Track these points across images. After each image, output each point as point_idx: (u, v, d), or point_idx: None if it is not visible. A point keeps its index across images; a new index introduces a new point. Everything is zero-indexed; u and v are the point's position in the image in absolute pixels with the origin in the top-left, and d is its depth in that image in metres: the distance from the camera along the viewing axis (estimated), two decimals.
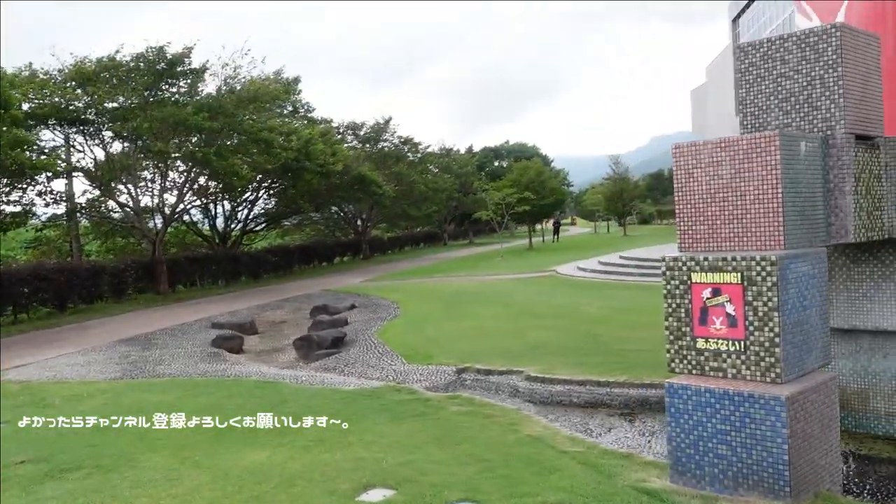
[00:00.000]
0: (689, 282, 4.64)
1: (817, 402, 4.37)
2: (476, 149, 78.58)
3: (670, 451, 4.60)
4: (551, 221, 48.88)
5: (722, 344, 4.50)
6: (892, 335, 5.91)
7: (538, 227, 46.60)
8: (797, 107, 5.25)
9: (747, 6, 42.29)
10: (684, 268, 4.66)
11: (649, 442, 6.35)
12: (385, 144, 41.63)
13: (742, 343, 4.41)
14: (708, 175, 4.89)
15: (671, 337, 4.73)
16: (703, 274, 4.58)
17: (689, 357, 4.65)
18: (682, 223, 5.01)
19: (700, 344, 4.60)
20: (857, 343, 6.31)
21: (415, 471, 5.06)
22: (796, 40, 5.30)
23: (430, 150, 47.25)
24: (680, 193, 5.02)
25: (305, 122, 30.78)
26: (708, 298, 4.56)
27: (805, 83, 5.21)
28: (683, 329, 4.67)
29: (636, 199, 54.38)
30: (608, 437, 6.54)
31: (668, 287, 4.75)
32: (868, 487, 5.42)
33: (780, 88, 5.35)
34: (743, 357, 4.42)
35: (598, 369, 8.21)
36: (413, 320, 13.85)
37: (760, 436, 4.19)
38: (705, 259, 4.58)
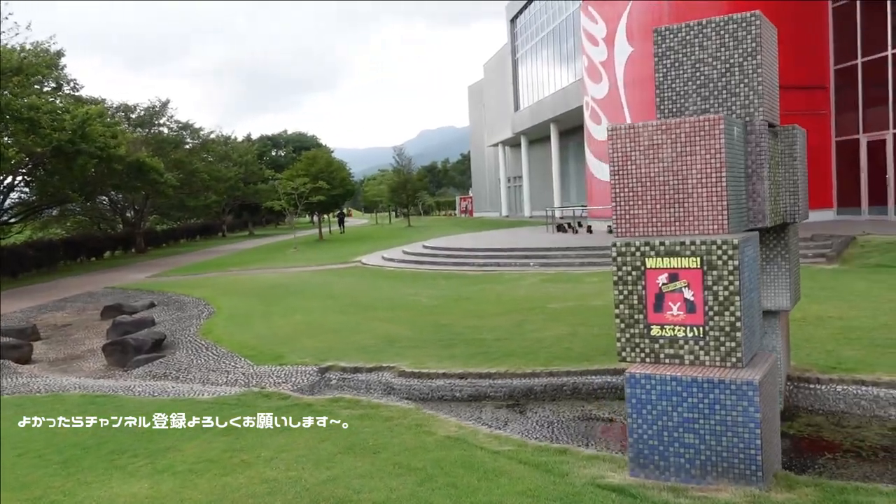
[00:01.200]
0: (642, 267, 4.49)
1: (769, 383, 4.42)
2: (253, 137, 75.67)
3: (631, 444, 4.43)
4: (336, 212, 48.30)
5: (679, 330, 4.40)
6: (773, 314, 6.23)
7: (325, 217, 45.83)
8: (715, 93, 5.32)
9: (525, 7, 44.53)
10: (637, 253, 4.50)
11: (553, 433, 6.19)
12: (161, 129, 38.54)
13: (701, 329, 4.34)
14: (647, 158, 4.77)
15: (622, 325, 4.56)
16: (659, 259, 4.44)
17: (641, 345, 4.51)
18: (618, 207, 4.86)
19: (655, 331, 4.47)
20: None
21: (347, 489, 4.45)
22: (715, 27, 5.36)
23: (212, 136, 44.55)
24: (616, 177, 4.86)
25: (72, 101, 27.52)
26: (664, 284, 4.43)
27: (724, 70, 5.28)
28: (636, 317, 4.51)
29: (420, 190, 55.42)
30: (510, 431, 6.30)
31: (620, 273, 4.56)
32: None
33: (698, 74, 5.39)
34: (702, 343, 4.34)
35: (472, 361, 7.97)
36: (235, 317, 12.76)
37: (731, 422, 4.13)
38: (661, 244, 4.45)
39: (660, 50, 5.59)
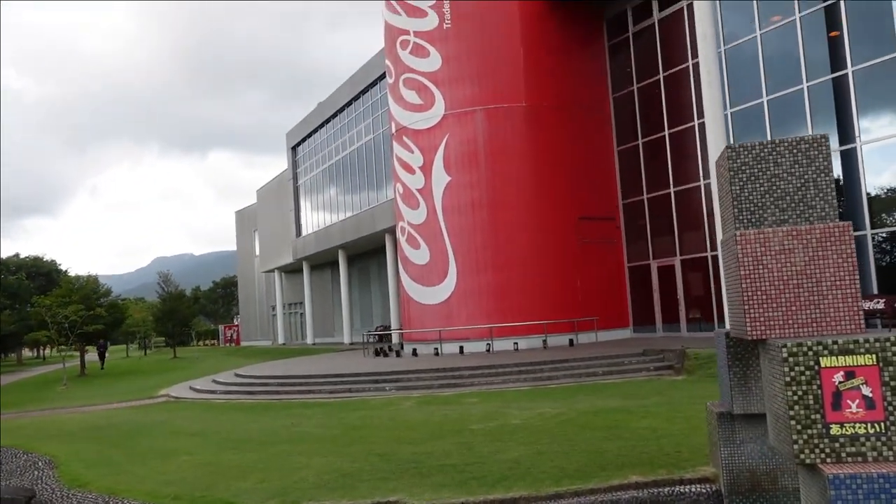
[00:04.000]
0: (816, 367, 4.57)
1: None
2: None
3: None
4: (97, 344, 43.45)
5: (860, 428, 4.49)
6: None
7: (88, 348, 40.93)
8: (793, 205, 5.74)
9: (308, 136, 45.24)
10: (810, 353, 4.58)
11: None
12: None
13: (882, 424, 4.47)
14: (779, 262, 4.98)
15: (798, 426, 4.54)
16: (834, 357, 4.56)
17: (821, 445, 4.51)
18: (751, 310, 4.97)
19: (834, 430, 4.51)
20: (761, 427, 6.89)
21: None
22: (788, 146, 5.84)
23: None
24: (747, 281, 5.00)
25: None
26: (841, 382, 4.54)
27: (799, 184, 5.74)
28: (813, 417, 4.54)
29: (191, 318, 51.96)
30: None
31: (792, 374, 4.59)
32: None
33: (774, 188, 5.80)
34: (884, 438, 4.46)
35: (471, 488, 7.39)
36: (98, 464, 10.65)
37: None
38: (835, 342, 4.57)
39: (735, 165, 5.93)
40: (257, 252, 59.47)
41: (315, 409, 15.07)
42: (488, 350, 22.50)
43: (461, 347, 22.91)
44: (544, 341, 22.58)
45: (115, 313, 36.20)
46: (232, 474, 9.09)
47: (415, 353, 24.16)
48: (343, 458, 9.46)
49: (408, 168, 25.21)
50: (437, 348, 23.32)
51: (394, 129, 26.21)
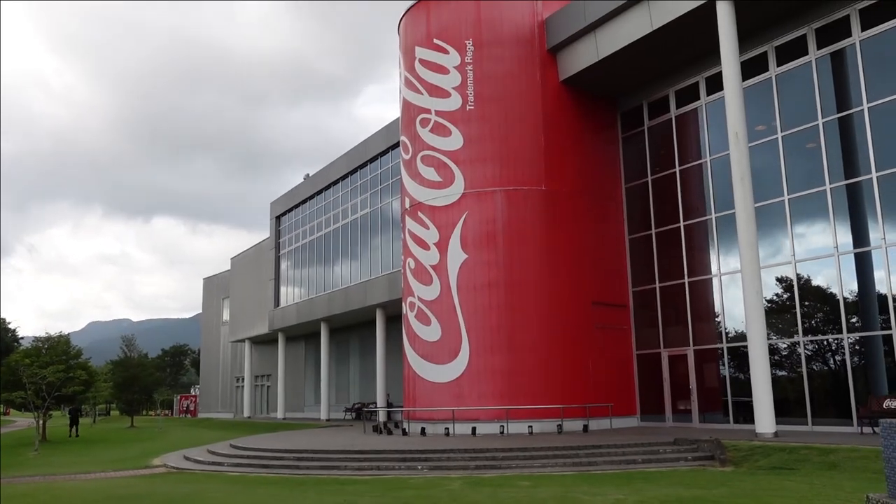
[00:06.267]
0: None
1: None
2: None
3: None
4: (69, 409, 41.24)
5: None
6: None
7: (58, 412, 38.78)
8: None
9: (293, 208, 45.01)
10: None
11: None
12: None
13: None
14: None
15: None
16: None
17: None
18: None
19: None
20: None
21: None
22: None
23: None
24: None
25: None
26: None
27: None
28: None
29: (156, 385, 49.88)
30: None
31: None
32: None
33: None
34: None
35: None
36: None
37: None
38: None
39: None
40: (225, 320, 58.03)
41: (357, 487, 14.38)
42: (502, 432, 22.01)
43: (474, 428, 22.36)
44: (559, 426, 22.22)
45: (92, 376, 34.48)
46: None
47: (423, 431, 23.49)
48: None
49: (422, 244, 25.11)
50: (448, 428, 22.72)
51: (407, 205, 26.21)
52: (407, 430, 24.27)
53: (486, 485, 13.94)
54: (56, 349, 32.68)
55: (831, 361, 19.98)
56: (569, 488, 13.00)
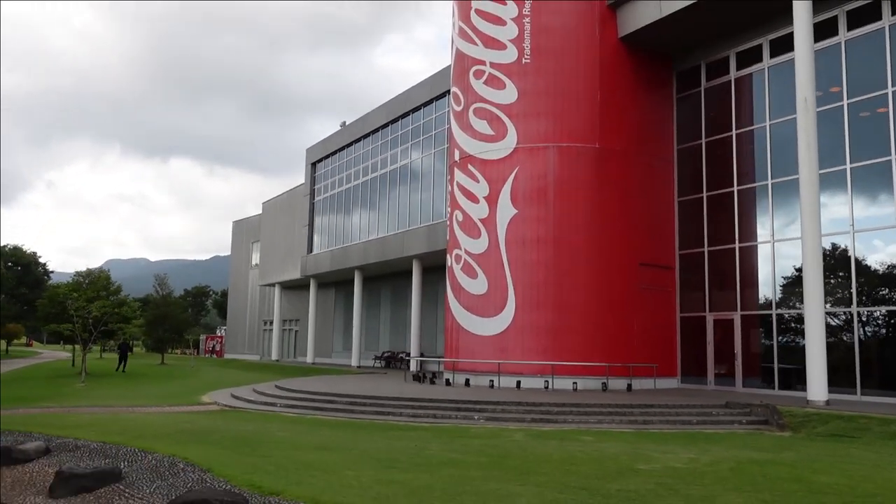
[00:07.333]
0: None
1: None
2: None
3: None
4: (119, 343, 41.90)
5: None
6: None
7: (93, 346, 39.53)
8: None
9: (330, 154, 44.98)
10: None
11: None
12: None
13: None
14: None
15: None
16: None
17: None
18: None
19: None
20: None
21: None
22: None
23: None
24: None
25: None
26: None
27: None
28: None
29: (187, 325, 50.63)
30: None
31: None
32: None
33: None
34: None
35: None
36: (261, 471, 10.03)
37: None
38: None
39: None
40: (253, 264, 58.54)
41: (419, 433, 14.63)
42: (546, 387, 22.25)
43: (518, 382, 22.63)
44: (604, 384, 22.44)
45: (129, 308, 35.07)
46: (441, 497, 8.67)
47: (467, 383, 23.78)
48: (544, 489, 9.11)
49: (471, 196, 25.07)
50: (492, 381, 22.99)
51: (457, 157, 26.10)
52: (451, 381, 24.58)
53: (549, 437, 14.16)
54: (97, 284, 33.19)
55: (886, 332, 19.95)
56: (635, 445, 13.16)
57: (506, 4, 24.87)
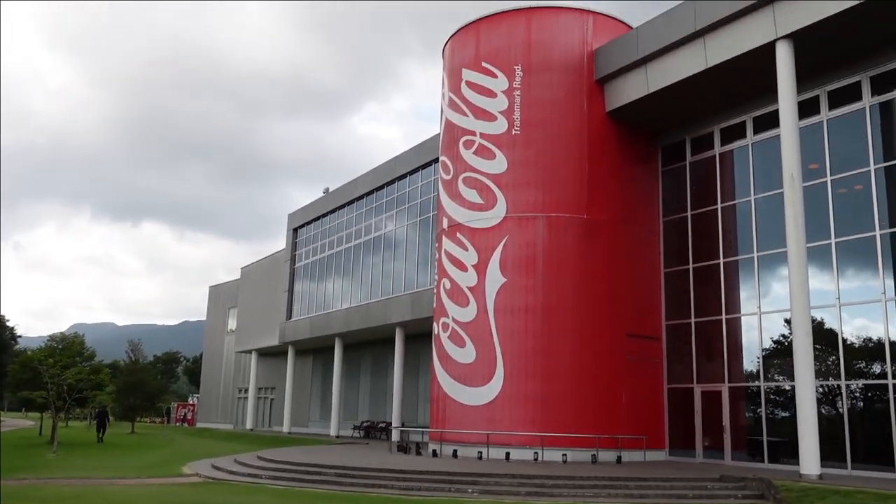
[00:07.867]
0: None
1: None
2: None
3: None
4: (96, 411, 40.51)
5: None
6: None
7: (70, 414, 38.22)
8: None
9: (312, 221, 45.00)
10: None
11: None
12: None
13: None
14: None
15: None
16: None
17: None
18: None
19: None
20: None
21: None
22: None
23: None
24: None
25: None
26: None
27: None
28: None
29: (160, 392, 49.34)
30: None
31: None
32: None
33: None
34: None
35: None
36: None
37: None
38: None
39: None
40: (229, 329, 57.65)
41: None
42: (536, 459, 21.88)
43: (507, 454, 22.22)
44: (594, 456, 22.12)
45: (102, 376, 34.10)
46: None
47: (455, 454, 23.31)
48: None
49: (459, 265, 25.09)
50: (481, 452, 22.56)
51: (445, 225, 26.22)
52: (438, 452, 24.07)
53: None
54: (71, 349, 32.36)
55: (874, 405, 20.01)
56: None
57: (496, 77, 25.45)
